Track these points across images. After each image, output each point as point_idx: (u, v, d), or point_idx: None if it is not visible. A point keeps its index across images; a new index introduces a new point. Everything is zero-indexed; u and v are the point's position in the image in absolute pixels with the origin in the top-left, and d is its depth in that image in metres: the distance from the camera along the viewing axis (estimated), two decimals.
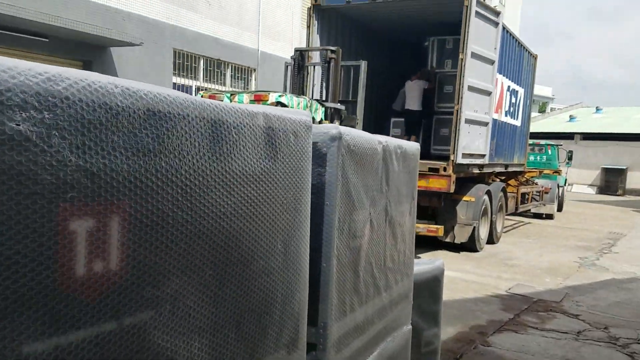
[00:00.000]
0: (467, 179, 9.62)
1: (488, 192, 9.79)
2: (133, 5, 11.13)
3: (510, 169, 11.58)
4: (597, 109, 40.26)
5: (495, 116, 9.84)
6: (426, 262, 2.95)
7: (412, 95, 9.73)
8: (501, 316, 5.80)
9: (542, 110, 50.27)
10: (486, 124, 8.70)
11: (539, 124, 39.79)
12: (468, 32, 7.73)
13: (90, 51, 10.23)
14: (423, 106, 9.87)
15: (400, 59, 11.50)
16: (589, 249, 10.80)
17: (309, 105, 5.81)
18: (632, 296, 7.06)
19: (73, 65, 10.23)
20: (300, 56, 7.08)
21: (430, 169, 7.99)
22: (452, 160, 7.89)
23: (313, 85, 7.14)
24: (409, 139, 9.75)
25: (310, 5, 8.69)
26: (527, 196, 13.64)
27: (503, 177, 12.66)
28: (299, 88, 7.10)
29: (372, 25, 10.14)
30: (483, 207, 9.47)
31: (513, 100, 10.93)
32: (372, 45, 10.83)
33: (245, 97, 5.39)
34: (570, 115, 39.22)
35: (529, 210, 15.40)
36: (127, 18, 10.97)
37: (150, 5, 11.39)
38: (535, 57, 12.31)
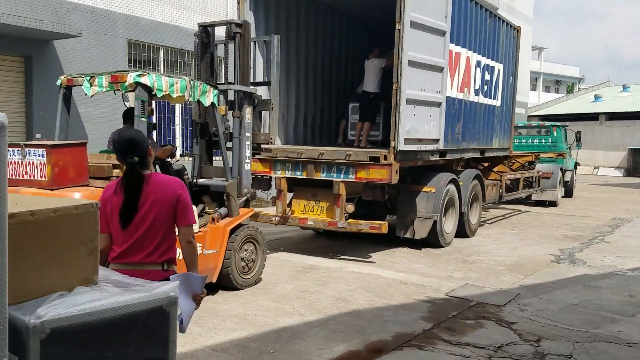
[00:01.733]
0: (429, 168, 8.71)
1: (454, 181, 8.84)
2: None
3: (488, 154, 10.54)
4: (625, 87, 38.07)
5: (460, 95, 8.85)
6: (145, 289, 2.15)
7: (369, 75, 8.82)
8: (417, 327, 4.94)
9: (570, 91, 48.05)
10: (438, 104, 7.75)
11: (562, 106, 37.92)
12: None
13: (30, 46, 9.69)
14: (382, 88, 8.94)
15: (364, 38, 10.58)
16: (577, 239, 9.73)
17: (189, 87, 5.05)
18: (594, 297, 6.07)
19: (13, 61, 9.73)
20: (205, 33, 6.30)
21: (371, 158, 7.12)
22: (393, 147, 7.00)
23: (225, 67, 6.37)
24: (363, 126, 8.89)
25: None
26: (516, 183, 12.55)
27: (487, 164, 11.64)
28: (207, 70, 6.34)
29: (326, 1, 9.27)
30: (447, 197, 8.53)
31: (487, 77, 9.88)
32: (330, 25, 9.95)
33: (104, 79, 4.68)
34: (595, 95, 37.17)
35: (529, 197, 14.29)
36: (71, 9, 10.38)
37: None
38: (517, 30, 11.19)
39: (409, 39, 6.94)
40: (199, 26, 6.28)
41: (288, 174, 7.66)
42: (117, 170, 4.47)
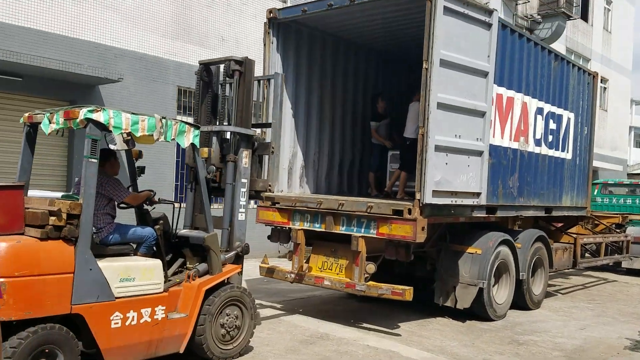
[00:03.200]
0: (477, 226, 7.54)
1: (507, 243, 7.57)
2: (128, 42, 10.69)
3: (556, 213, 9.10)
4: None
5: (514, 145, 7.70)
6: None
7: (410, 120, 7.91)
8: None
9: None
10: (479, 153, 6.65)
11: None
12: (433, 33, 5.94)
13: (74, 90, 9.82)
14: None
15: (402, 77, 9.71)
16: None
17: (159, 125, 4.48)
18: None
19: (56, 105, 9.87)
20: (206, 71, 5.79)
21: (395, 212, 6.15)
22: (419, 200, 6.00)
23: (223, 106, 5.79)
24: (406, 177, 7.93)
25: (266, 19, 7.43)
26: (595, 248, 10.81)
27: (561, 224, 10.13)
28: (209, 110, 5.79)
29: (353, 39, 8.59)
30: (497, 261, 7.28)
31: (552, 126, 8.62)
32: (370, 67, 9.23)
33: (61, 115, 4.23)
34: None
35: (619, 264, 12.34)
36: (119, 55, 10.51)
37: (149, 41, 10.88)
38: (593, 76, 9.85)
39: (437, 79, 6.03)
40: (200, 64, 5.78)
41: (306, 225, 6.84)
42: (54, 218, 3.91)
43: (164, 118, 4.57)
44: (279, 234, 7.22)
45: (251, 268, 8.32)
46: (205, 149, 5.03)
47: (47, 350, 3.79)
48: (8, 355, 3.56)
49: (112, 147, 5.29)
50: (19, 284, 3.65)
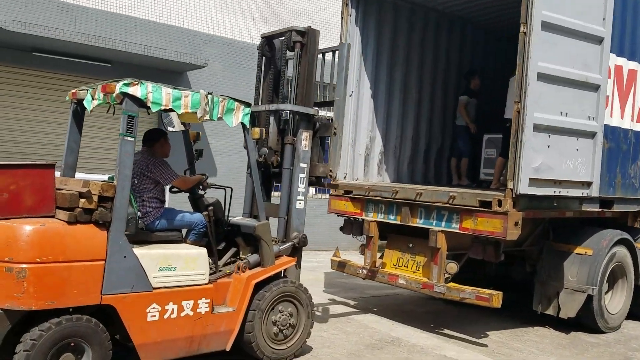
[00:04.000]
0: (587, 222, 6.43)
1: (625, 243, 6.39)
2: (217, 27, 10.57)
3: None
4: None
5: (638, 126, 6.44)
6: None
7: (510, 98, 6.92)
8: None
9: None
10: (591, 134, 5.55)
11: None
12: None
13: (161, 77, 9.85)
14: None
15: (502, 53, 8.59)
16: None
17: (205, 102, 4.06)
18: None
19: None
20: (268, 45, 5.30)
21: (482, 203, 5.30)
22: (512, 190, 5.10)
23: (279, 83, 5.27)
24: (505, 163, 6.97)
25: None
26: None
27: None
28: (270, 88, 5.31)
29: (447, 10, 7.68)
30: (611, 264, 6.17)
31: None
32: (457, 37, 8.26)
33: (100, 90, 3.95)
34: None
35: None
36: (207, 41, 10.43)
37: (237, 26, 10.69)
38: None
39: (538, 44, 5.06)
40: (262, 37, 5.31)
41: (380, 217, 6.18)
42: (84, 200, 3.63)
43: (210, 94, 4.14)
44: (352, 226, 6.62)
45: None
46: (257, 129, 4.55)
47: (73, 344, 3.52)
48: (27, 348, 3.32)
49: (170, 129, 5.03)
50: (40, 271, 3.39)
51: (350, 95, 6.74)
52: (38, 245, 3.41)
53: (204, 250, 4.21)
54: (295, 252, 4.95)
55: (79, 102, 4.36)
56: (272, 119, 5.07)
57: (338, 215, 6.74)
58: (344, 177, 6.73)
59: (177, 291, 4.00)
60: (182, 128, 4.99)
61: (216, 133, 10.17)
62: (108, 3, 9.31)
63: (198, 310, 4.08)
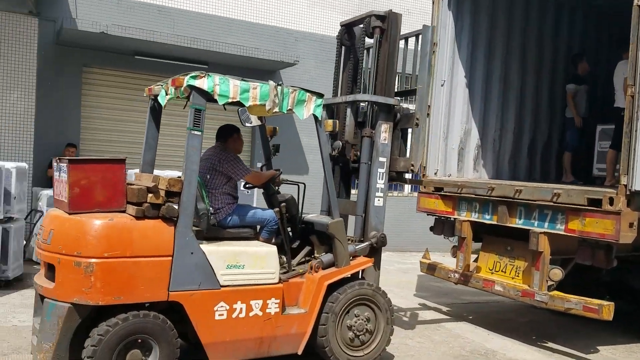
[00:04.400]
0: None
1: None
2: (309, 23, 10.50)
3: None
4: None
5: None
6: None
7: (618, 84, 6.07)
8: None
9: None
10: None
11: None
12: None
13: (255, 76, 9.92)
14: None
15: (614, 37, 7.57)
16: None
17: (274, 93, 3.88)
18: None
19: None
20: (347, 34, 5.01)
21: (591, 201, 4.64)
22: (625, 186, 4.40)
23: (357, 72, 4.94)
24: (617, 156, 6.17)
25: None
26: None
27: None
28: (349, 79, 5.02)
29: None
30: None
31: None
32: (566, 21, 7.41)
33: (170, 84, 3.91)
34: None
35: None
36: (300, 38, 10.38)
37: (329, 20, 10.53)
38: None
39: None
40: (341, 26, 5.05)
41: (474, 216, 5.66)
42: (151, 195, 3.59)
43: (280, 85, 3.96)
44: (443, 226, 6.14)
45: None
46: (330, 121, 4.29)
47: (140, 341, 3.49)
48: (94, 344, 3.32)
49: (247, 125, 4.94)
50: (108, 266, 3.39)
51: (442, 85, 6.28)
52: (105, 240, 3.41)
53: (273, 248, 4.03)
54: (374, 252, 4.63)
55: (155, 98, 4.38)
56: (349, 111, 4.80)
57: (428, 214, 6.30)
58: (435, 173, 6.28)
59: (246, 290, 3.85)
60: (259, 123, 4.87)
61: (309, 131, 10.08)
62: (204, 5, 9.56)
63: (267, 310, 3.91)
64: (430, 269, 6.08)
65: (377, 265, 4.71)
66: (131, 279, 3.46)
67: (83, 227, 3.42)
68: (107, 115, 8.98)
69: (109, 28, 7.86)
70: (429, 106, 6.09)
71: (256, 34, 9.97)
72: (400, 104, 4.83)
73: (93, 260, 3.36)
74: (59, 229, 3.49)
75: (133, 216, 3.56)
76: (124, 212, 3.66)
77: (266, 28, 10.08)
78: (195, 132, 3.68)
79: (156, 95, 4.25)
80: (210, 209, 4.11)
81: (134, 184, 3.72)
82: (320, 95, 4.18)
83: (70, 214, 3.52)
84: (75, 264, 3.37)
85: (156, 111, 4.44)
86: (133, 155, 8.62)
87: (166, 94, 4.05)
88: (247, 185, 4.61)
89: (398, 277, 8.13)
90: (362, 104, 4.81)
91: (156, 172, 4.55)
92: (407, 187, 11.14)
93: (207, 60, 9.38)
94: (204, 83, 3.70)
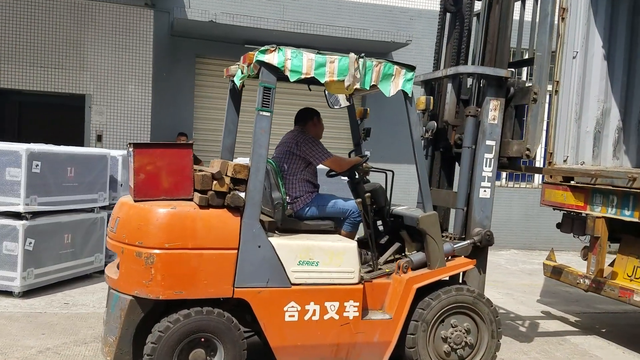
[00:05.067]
0: None
1: None
2: (427, 1, 9.76)
3: None
4: None
5: None
6: None
7: None
8: None
9: None
10: None
11: None
12: None
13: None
14: None
15: None
16: None
17: (355, 67, 3.38)
18: None
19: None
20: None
21: None
22: None
23: (461, 41, 4.20)
24: None
25: None
26: None
27: None
28: (454, 51, 4.33)
29: None
30: None
31: None
32: None
33: (241, 61, 3.58)
34: None
35: None
36: (415, 16, 9.69)
37: None
38: None
39: None
40: None
41: (611, 212, 4.68)
42: (216, 182, 3.29)
43: (362, 57, 3.46)
44: (572, 222, 5.19)
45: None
46: (423, 98, 3.70)
47: (203, 339, 3.22)
48: (154, 340, 3.11)
49: (335, 107, 4.51)
50: (168, 258, 3.15)
51: (574, 57, 5.32)
52: (167, 230, 3.18)
53: (353, 244, 3.55)
54: (478, 252, 3.95)
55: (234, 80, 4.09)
56: (449, 86, 4.13)
57: (554, 209, 5.39)
58: (564, 160, 5.35)
59: (320, 289, 3.43)
60: (347, 104, 4.40)
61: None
62: None
63: (345, 314, 3.46)
64: (555, 272, 5.19)
65: (481, 268, 4.03)
66: (194, 273, 3.20)
67: (145, 216, 3.22)
68: (219, 105, 9.06)
69: (218, 16, 7.86)
70: (557, 82, 5.23)
71: (367, 14, 9.47)
72: (515, 77, 4.07)
73: (154, 250, 3.15)
74: (124, 217, 3.34)
75: (197, 205, 3.30)
76: (191, 200, 3.42)
77: (378, 8, 9.54)
78: (264, 113, 3.32)
79: (233, 76, 3.97)
80: (287, 198, 3.74)
81: (202, 171, 3.46)
82: (411, 68, 3.60)
83: (136, 201, 3.35)
84: (137, 254, 3.18)
85: (236, 94, 4.16)
86: (243, 146, 8.62)
87: (242, 73, 3.73)
88: (330, 173, 4.18)
89: (521, 279, 7.22)
90: (466, 78, 4.12)
91: (239, 160, 4.29)
92: (537, 178, 9.98)
93: (316, 45, 9.05)
94: (273, 58, 3.32)
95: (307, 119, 4.01)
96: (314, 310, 3.41)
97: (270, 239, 3.36)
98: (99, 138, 7.99)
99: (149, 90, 8.15)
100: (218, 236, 3.26)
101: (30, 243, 5.12)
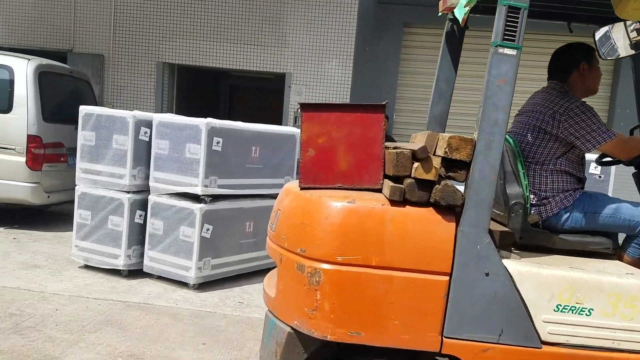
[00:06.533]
0: None
1: None
2: None
3: None
4: None
5: None
6: None
7: None
8: None
9: None
10: None
11: None
12: None
13: None
14: None
15: None
16: None
17: None
18: None
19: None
20: None
21: None
22: None
23: None
24: None
25: None
26: None
27: None
28: None
29: None
30: None
31: None
32: None
33: None
34: None
35: None
36: None
37: None
38: None
39: None
40: None
41: None
42: (417, 165, 2.05)
43: None
44: None
45: None
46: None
47: None
48: None
49: (608, 58, 2.92)
50: (342, 277, 2.03)
51: None
52: (340, 235, 2.06)
53: None
54: None
55: (454, 19, 2.80)
56: None
57: None
58: None
59: (592, 357, 1.99)
60: (632, 52, 2.77)
61: None
62: None
63: None
64: None
65: None
66: (378, 305, 2.03)
67: (310, 211, 2.15)
68: (427, 82, 7.79)
69: None
70: None
71: None
72: None
73: (321, 265, 2.06)
74: (286, 211, 2.30)
75: (388, 199, 2.11)
76: (379, 191, 2.25)
77: None
78: (508, 51, 1.99)
79: (452, 9, 2.67)
80: (532, 196, 2.36)
81: (398, 148, 2.25)
82: None
83: (302, 188, 2.29)
84: (298, 267, 2.13)
85: (453, 38, 2.86)
86: (459, 118, 7.21)
87: (464, 6, 2.42)
88: (603, 160, 2.64)
89: None
90: None
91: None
92: None
93: None
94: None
95: (572, 66, 2.53)
96: None
97: (505, 261, 2.03)
98: (296, 120, 7.38)
99: (350, 67, 7.28)
100: (418, 251, 2.04)
101: (207, 230, 4.54)
